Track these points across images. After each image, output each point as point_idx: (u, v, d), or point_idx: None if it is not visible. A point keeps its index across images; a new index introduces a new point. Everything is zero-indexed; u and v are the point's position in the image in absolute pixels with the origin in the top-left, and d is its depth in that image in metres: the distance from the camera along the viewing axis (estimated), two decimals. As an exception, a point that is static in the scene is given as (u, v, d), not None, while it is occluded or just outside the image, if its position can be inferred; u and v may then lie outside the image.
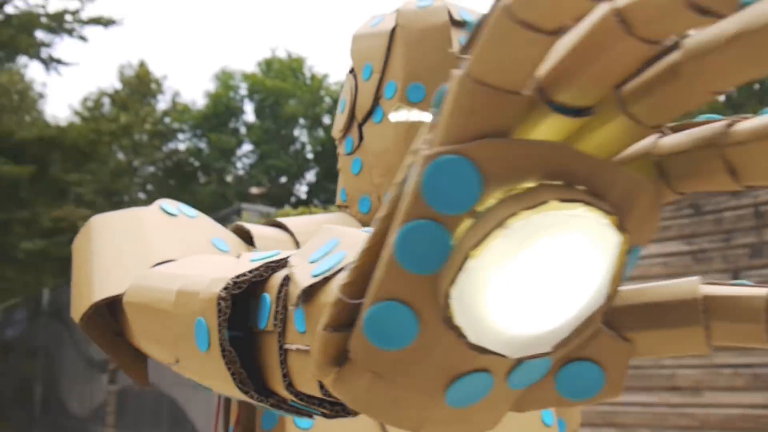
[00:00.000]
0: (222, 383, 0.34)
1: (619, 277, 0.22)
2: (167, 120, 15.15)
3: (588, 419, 3.87)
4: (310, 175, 15.49)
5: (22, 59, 9.14)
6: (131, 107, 13.81)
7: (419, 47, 0.66)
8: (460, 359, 0.24)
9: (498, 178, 0.21)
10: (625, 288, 0.28)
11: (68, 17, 8.61)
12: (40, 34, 8.38)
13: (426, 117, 0.65)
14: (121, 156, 13.80)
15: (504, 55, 0.19)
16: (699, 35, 0.20)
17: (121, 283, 0.50)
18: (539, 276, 0.22)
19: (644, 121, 0.22)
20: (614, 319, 0.27)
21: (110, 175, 12.28)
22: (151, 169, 15.02)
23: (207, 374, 0.37)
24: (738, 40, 0.19)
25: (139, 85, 14.70)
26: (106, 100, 14.36)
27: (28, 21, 8.12)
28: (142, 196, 14.62)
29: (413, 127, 0.65)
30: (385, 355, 0.24)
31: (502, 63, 0.20)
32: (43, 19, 8.31)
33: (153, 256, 0.51)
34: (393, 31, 0.67)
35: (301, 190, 15.55)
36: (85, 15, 8.77)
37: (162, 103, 15.76)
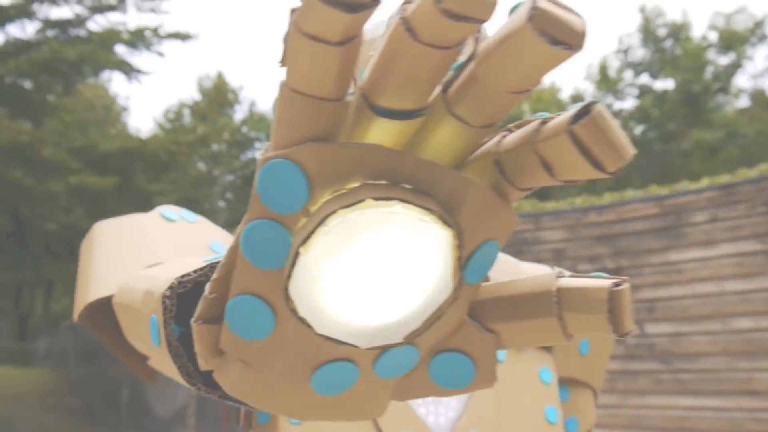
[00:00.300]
0: (176, 376, 0.36)
1: (460, 270, 0.24)
2: (245, 129, 15.60)
3: (660, 424, 3.73)
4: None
5: (105, 73, 9.64)
6: (210, 118, 14.33)
7: None
8: (318, 349, 0.25)
9: (323, 180, 0.22)
10: (489, 282, 0.29)
11: (147, 33, 8.98)
12: (120, 49, 8.81)
13: None
14: (201, 166, 14.35)
15: (305, 65, 0.21)
16: (486, 41, 0.22)
17: (114, 284, 0.52)
18: (373, 269, 0.23)
19: (471, 122, 0.23)
20: (478, 311, 0.28)
21: (191, 184, 12.78)
22: (230, 177, 15.51)
23: (164, 368, 0.38)
24: (503, 44, 0.21)
25: (217, 96, 15.24)
26: (187, 112, 14.99)
27: (109, 37, 8.54)
28: (222, 204, 15.13)
29: None
30: (250, 346, 0.25)
31: (307, 73, 0.21)
32: (124, 35, 8.71)
33: (146, 259, 0.54)
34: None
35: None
36: (163, 30, 9.12)
37: (239, 113, 16.27)
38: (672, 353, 4.01)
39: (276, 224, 0.23)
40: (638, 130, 10.94)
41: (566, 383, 0.79)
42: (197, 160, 13.91)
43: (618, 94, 11.31)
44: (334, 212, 0.22)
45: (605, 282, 0.25)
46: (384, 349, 0.25)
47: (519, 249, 4.81)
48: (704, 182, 4.24)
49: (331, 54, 0.21)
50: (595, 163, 0.22)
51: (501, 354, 0.70)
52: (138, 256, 0.56)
